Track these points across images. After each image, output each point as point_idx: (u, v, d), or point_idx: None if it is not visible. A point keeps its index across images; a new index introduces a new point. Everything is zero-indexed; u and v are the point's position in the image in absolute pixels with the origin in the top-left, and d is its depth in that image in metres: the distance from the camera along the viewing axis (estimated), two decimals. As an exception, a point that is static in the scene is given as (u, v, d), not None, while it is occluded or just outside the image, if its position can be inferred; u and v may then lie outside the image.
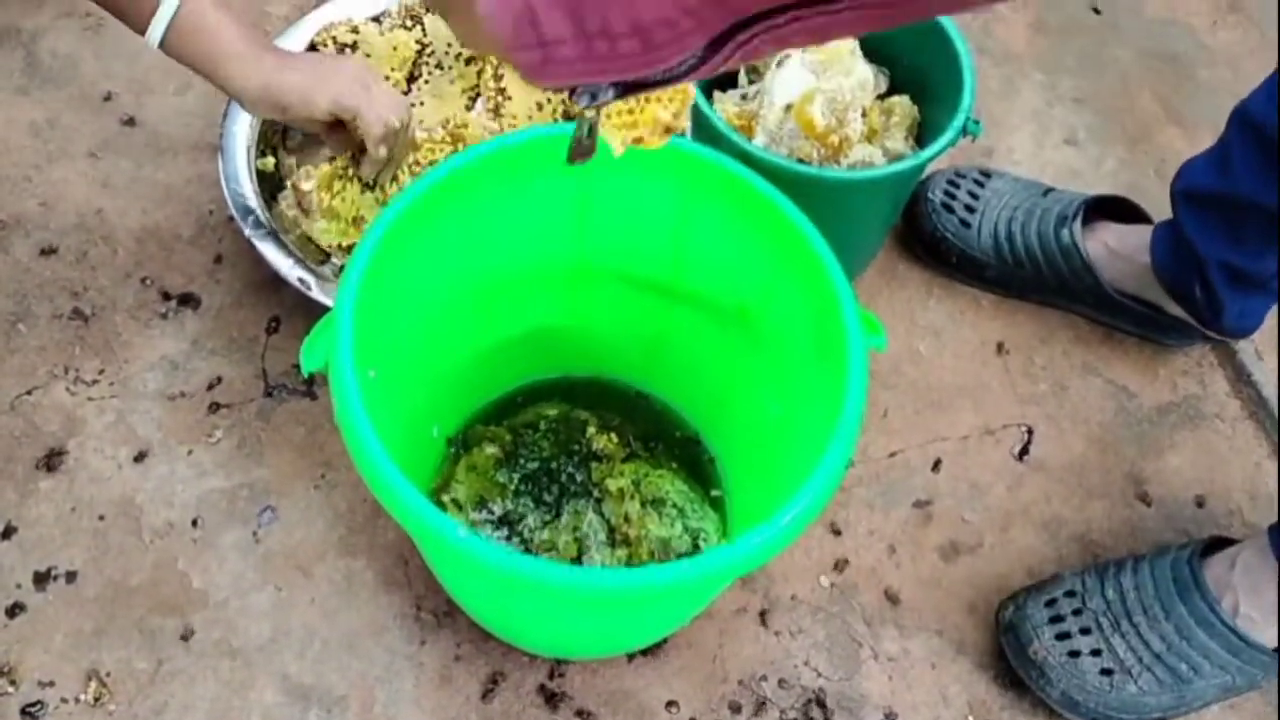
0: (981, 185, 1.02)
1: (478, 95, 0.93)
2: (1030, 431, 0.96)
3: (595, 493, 0.81)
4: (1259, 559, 0.77)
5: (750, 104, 0.91)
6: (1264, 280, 0.88)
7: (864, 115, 0.90)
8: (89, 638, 0.77)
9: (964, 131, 0.85)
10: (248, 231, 0.83)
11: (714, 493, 0.84)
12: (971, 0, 0.28)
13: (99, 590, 0.79)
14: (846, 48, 0.90)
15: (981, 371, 0.98)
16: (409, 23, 0.95)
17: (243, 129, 0.88)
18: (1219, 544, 0.82)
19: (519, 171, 0.69)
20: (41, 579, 0.79)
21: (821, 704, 0.80)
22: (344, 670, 0.78)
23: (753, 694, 0.80)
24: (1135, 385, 1.00)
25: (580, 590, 0.54)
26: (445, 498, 0.80)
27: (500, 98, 0.90)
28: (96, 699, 0.75)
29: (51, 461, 0.84)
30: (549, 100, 0.90)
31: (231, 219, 0.85)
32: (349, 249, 0.86)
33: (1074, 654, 0.78)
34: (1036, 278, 0.99)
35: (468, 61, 0.94)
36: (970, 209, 1.00)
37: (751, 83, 0.94)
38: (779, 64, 0.90)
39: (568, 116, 0.90)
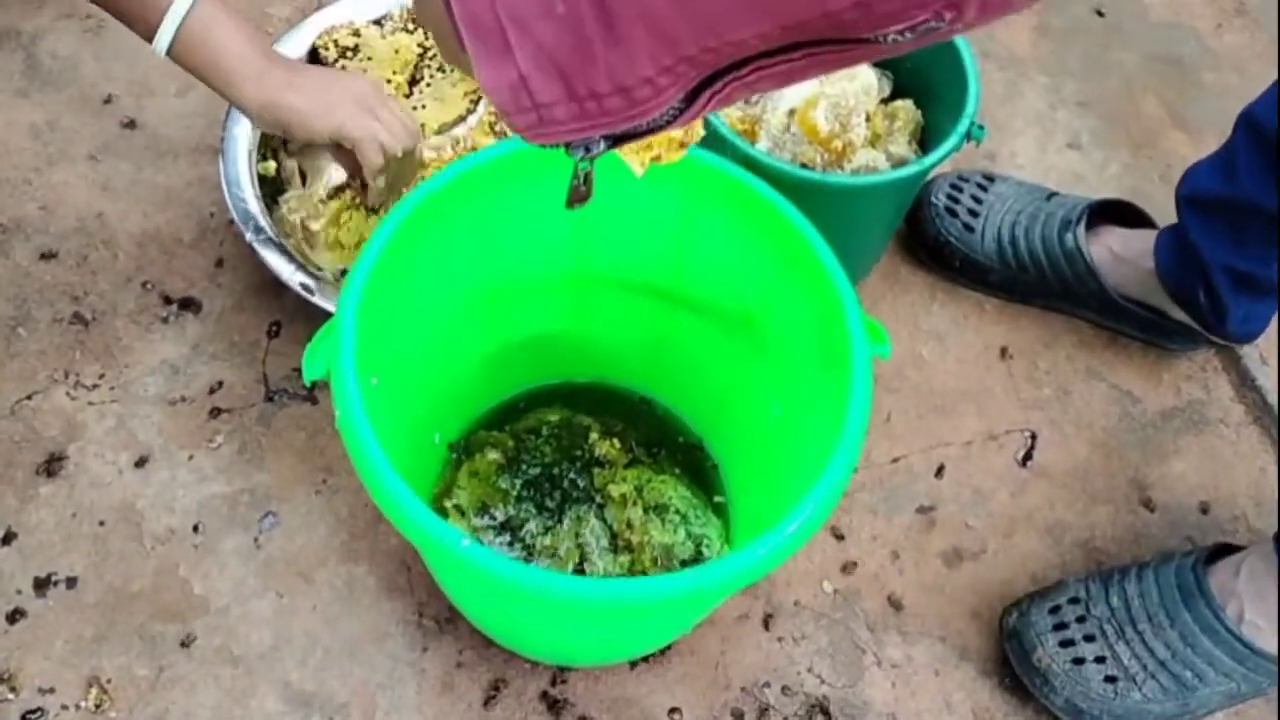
0: (985, 190, 1.02)
1: (479, 99, 0.92)
2: (1034, 437, 0.95)
3: (597, 498, 0.81)
4: (1264, 566, 0.77)
5: (753, 109, 0.91)
6: (1269, 285, 0.88)
7: (868, 120, 0.90)
8: (89, 644, 0.77)
9: (968, 136, 0.85)
10: (249, 237, 0.83)
11: (717, 499, 0.83)
12: (923, 39, 0.30)
13: (100, 596, 0.79)
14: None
15: (985, 376, 0.98)
16: (411, 26, 0.95)
17: (244, 132, 0.88)
18: (1224, 550, 0.81)
19: (521, 178, 0.69)
20: (42, 585, 0.79)
21: (825, 711, 0.80)
22: (346, 677, 0.77)
23: (755, 701, 0.80)
24: (1139, 390, 0.99)
25: (583, 601, 0.54)
26: (447, 503, 0.79)
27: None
28: (97, 706, 0.75)
29: (52, 467, 0.83)
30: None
31: (232, 223, 0.85)
32: None
33: (1078, 661, 0.78)
34: (1040, 282, 0.99)
35: (470, 65, 0.93)
36: (974, 213, 1.00)
37: (755, 86, 0.94)
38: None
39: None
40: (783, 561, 0.56)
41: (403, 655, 0.79)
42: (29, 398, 0.86)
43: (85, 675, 0.76)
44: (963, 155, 0.95)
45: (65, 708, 0.75)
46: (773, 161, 0.81)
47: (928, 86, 0.92)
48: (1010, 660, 0.81)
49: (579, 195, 0.46)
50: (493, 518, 0.79)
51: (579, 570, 0.78)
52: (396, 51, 0.93)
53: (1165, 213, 0.96)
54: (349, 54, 0.93)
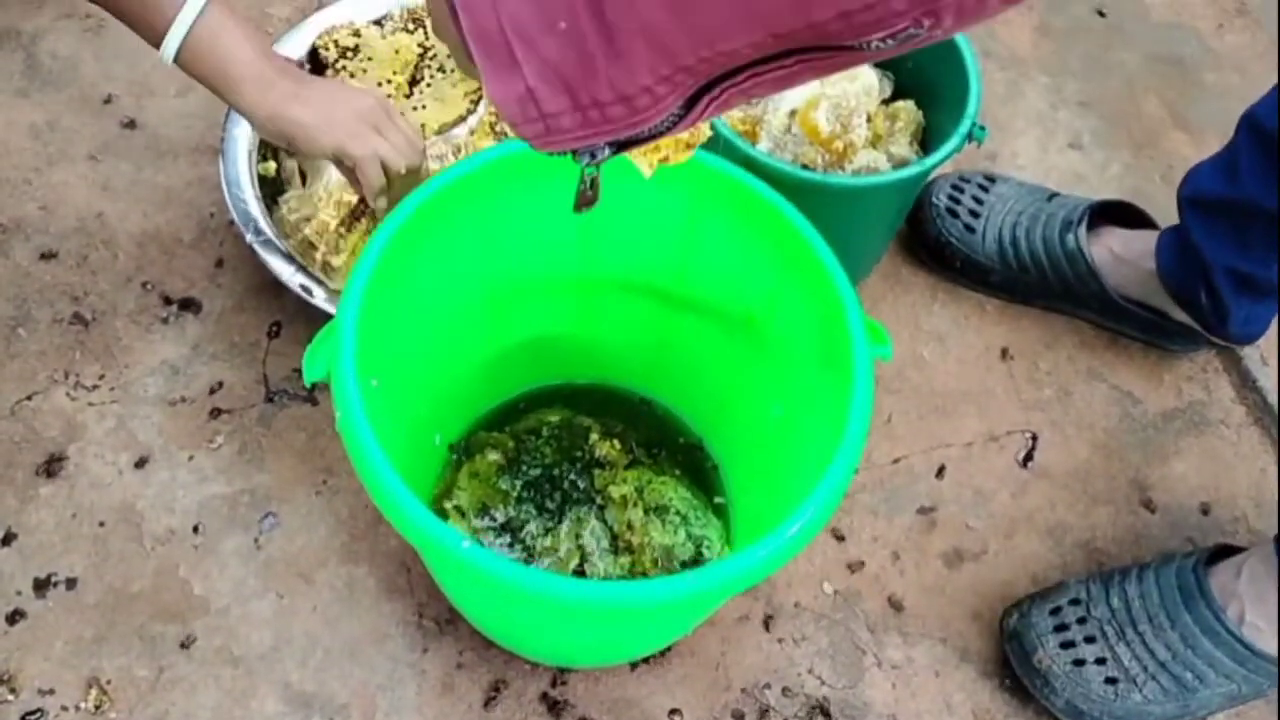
0: (986, 190, 1.02)
1: (479, 99, 0.92)
2: (1034, 438, 0.95)
3: (598, 499, 0.81)
4: (1265, 567, 0.77)
5: (754, 110, 0.91)
6: (1270, 286, 0.87)
7: (869, 121, 0.90)
8: (89, 645, 0.77)
9: (969, 137, 0.85)
10: (249, 238, 0.82)
11: (717, 500, 0.83)
12: (904, 45, 0.31)
13: (99, 597, 0.79)
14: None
15: (986, 377, 0.98)
16: (411, 26, 0.95)
17: (244, 132, 0.87)
18: (1224, 552, 0.81)
19: (522, 179, 0.69)
20: (42, 586, 0.79)
21: (825, 712, 0.80)
22: (346, 678, 0.77)
23: (756, 702, 0.80)
24: (1140, 391, 0.99)
25: (584, 603, 0.54)
26: (447, 504, 0.79)
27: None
28: (97, 707, 0.75)
29: (52, 467, 0.83)
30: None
31: (232, 223, 0.85)
32: None
33: (1078, 662, 0.78)
34: (1041, 283, 0.99)
35: (470, 65, 0.93)
36: (975, 214, 1.00)
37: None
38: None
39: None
40: (784, 563, 0.56)
41: (403, 656, 0.79)
42: (29, 398, 0.86)
43: (85, 676, 0.76)
44: (964, 156, 0.95)
45: (65, 709, 0.75)
46: (774, 162, 0.81)
47: (929, 87, 0.92)
48: (1011, 661, 0.81)
49: (586, 200, 0.48)
50: (493, 519, 0.79)
51: (579, 571, 0.78)
52: (397, 52, 0.93)
53: (1166, 213, 0.96)
54: (349, 54, 0.92)
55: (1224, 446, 0.97)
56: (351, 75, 0.92)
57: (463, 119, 0.92)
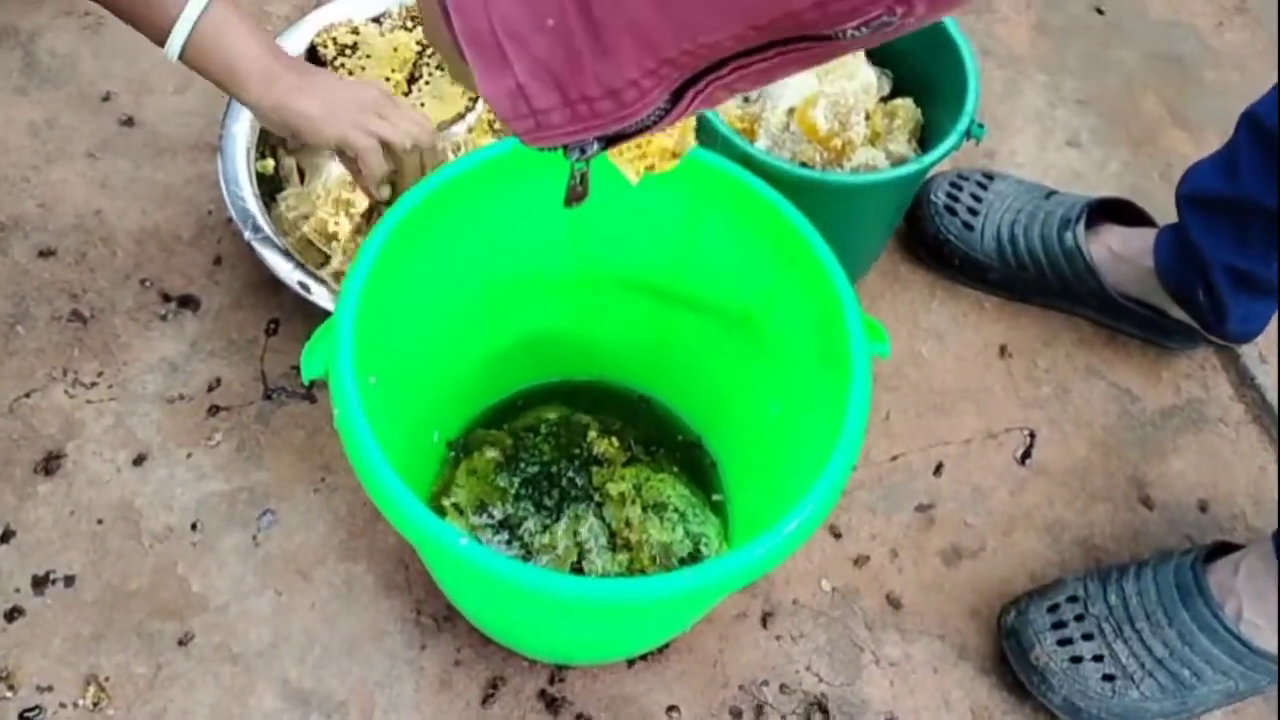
0: (984, 188, 1.02)
1: (478, 97, 0.92)
2: (1033, 435, 0.95)
3: (596, 497, 0.81)
4: (1263, 564, 0.77)
5: (753, 107, 0.91)
6: (1269, 284, 0.88)
7: (867, 118, 0.90)
8: (88, 642, 0.77)
9: (968, 135, 0.85)
10: (247, 235, 0.82)
11: (715, 497, 0.83)
12: (877, 34, 0.32)
13: (98, 594, 0.79)
14: (849, 50, 0.90)
15: (984, 374, 0.98)
16: (409, 23, 0.95)
17: (242, 130, 0.87)
18: (1223, 549, 0.81)
19: (519, 177, 0.69)
20: (40, 583, 0.79)
21: (823, 709, 0.80)
22: (344, 675, 0.77)
23: (753, 699, 0.80)
24: (1138, 389, 0.99)
25: (581, 600, 0.54)
26: (446, 502, 0.79)
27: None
28: (95, 704, 0.75)
29: (50, 465, 0.83)
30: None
31: (231, 220, 0.85)
32: None
33: (1076, 659, 0.78)
34: (1039, 280, 0.99)
35: (469, 62, 0.93)
36: (973, 211, 1.00)
37: (754, 84, 0.93)
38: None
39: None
40: (782, 561, 0.56)
41: (401, 653, 0.79)
42: (27, 395, 0.86)
43: (83, 673, 0.76)
44: (962, 153, 0.95)
45: (63, 706, 0.75)
46: (772, 160, 0.81)
47: (927, 85, 0.92)
48: (1008, 658, 0.81)
49: (576, 195, 0.49)
50: (491, 516, 0.79)
51: (577, 568, 0.78)
52: (395, 49, 0.93)
53: (1165, 211, 0.96)
54: (347, 52, 0.92)
55: (1222, 444, 0.97)
56: (350, 73, 0.92)
57: (461, 116, 0.92)
